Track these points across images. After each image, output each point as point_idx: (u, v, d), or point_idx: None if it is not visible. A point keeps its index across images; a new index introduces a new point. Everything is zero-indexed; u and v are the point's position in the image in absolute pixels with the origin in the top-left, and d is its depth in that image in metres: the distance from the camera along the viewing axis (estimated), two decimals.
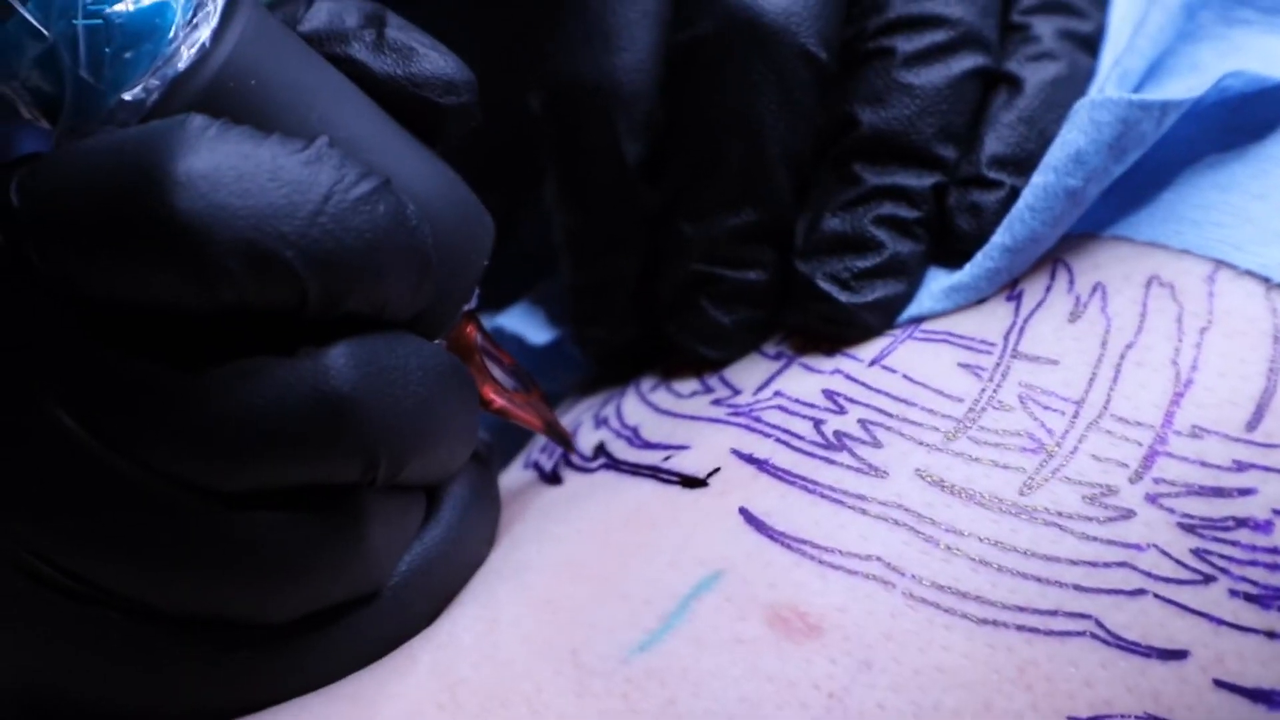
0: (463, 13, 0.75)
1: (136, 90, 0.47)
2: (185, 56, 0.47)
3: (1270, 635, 0.49)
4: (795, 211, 0.55)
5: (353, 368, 0.47)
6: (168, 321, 0.46)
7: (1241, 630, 0.49)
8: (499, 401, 0.53)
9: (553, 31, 0.55)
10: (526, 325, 0.59)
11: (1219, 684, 0.49)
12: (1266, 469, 0.50)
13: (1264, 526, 0.50)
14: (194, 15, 0.48)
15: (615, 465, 0.54)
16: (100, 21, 0.47)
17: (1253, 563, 0.50)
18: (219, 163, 0.45)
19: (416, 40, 0.50)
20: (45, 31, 0.47)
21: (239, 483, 0.46)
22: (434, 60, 0.50)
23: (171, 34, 0.47)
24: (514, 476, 0.57)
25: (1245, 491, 0.50)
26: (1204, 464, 0.50)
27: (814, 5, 0.54)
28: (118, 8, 0.47)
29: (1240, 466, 0.50)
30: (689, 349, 0.55)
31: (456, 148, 0.52)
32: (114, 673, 0.48)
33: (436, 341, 0.50)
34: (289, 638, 0.49)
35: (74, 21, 0.47)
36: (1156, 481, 0.50)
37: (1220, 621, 0.49)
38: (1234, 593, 0.49)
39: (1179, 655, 0.49)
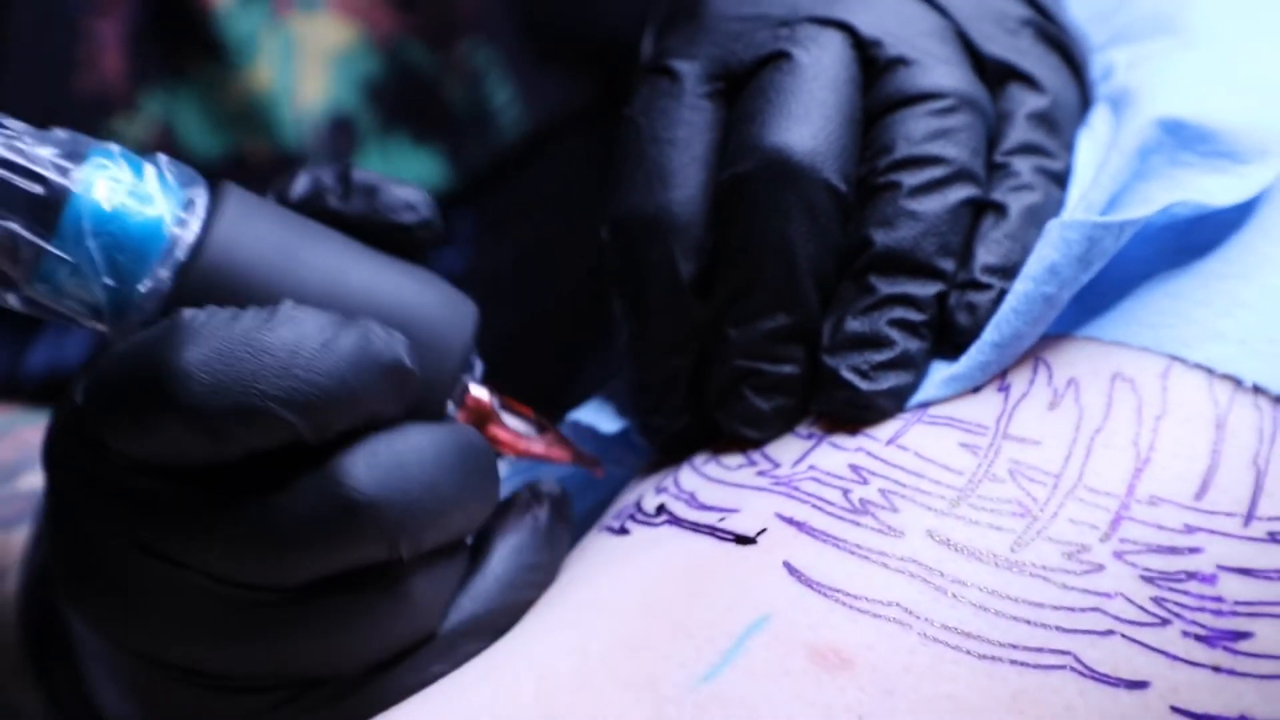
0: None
1: (150, 284, 0.51)
2: (184, 245, 0.51)
3: (1216, 669, 0.51)
4: (821, 316, 0.55)
5: (361, 472, 0.50)
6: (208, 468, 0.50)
7: (1193, 665, 0.51)
8: (521, 446, 0.55)
9: (618, 176, 0.56)
10: (599, 417, 0.59)
11: (1175, 710, 0.50)
12: (1211, 532, 0.52)
13: (1209, 579, 0.51)
14: (184, 214, 0.51)
15: (677, 522, 0.54)
16: (109, 236, 0.50)
17: (1201, 609, 0.51)
18: (207, 349, 0.48)
19: (376, 179, 0.53)
20: (69, 258, 0.50)
21: (290, 578, 0.50)
22: (391, 191, 0.53)
23: (167, 233, 0.51)
24: (590, 539, 0.57)
25: (1194, 550, 0.51)
26: (1160, 527, 0.52)
27: (834, 147, 0.54)
28: (118, 215, 0.50)
29: (1190, 530, 0.52)
30: (735, 432, 0.55)
31: None
32: None
33: (450, 414, 0.52)
34: (359, 683, 0.52)
35: (88, 244, 0.50)
36: (1122, 541, 0.51)
37: (1175, 658, 0.51)
38: (1186, 633, 0.51)
39: (1142, 685, 0.50)
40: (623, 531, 0.55)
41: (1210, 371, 0.53)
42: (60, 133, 0.51)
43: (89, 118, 0.74)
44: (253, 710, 0.52)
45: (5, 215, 0.50)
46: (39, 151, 0.50)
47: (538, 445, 0.55)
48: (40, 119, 0.53)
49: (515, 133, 0.80)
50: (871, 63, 0.55)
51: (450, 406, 0.53)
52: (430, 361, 0.51)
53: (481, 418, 0.54)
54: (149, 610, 0.51)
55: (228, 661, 0.51)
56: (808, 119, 0.54)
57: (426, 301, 0.52)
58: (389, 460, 0.50)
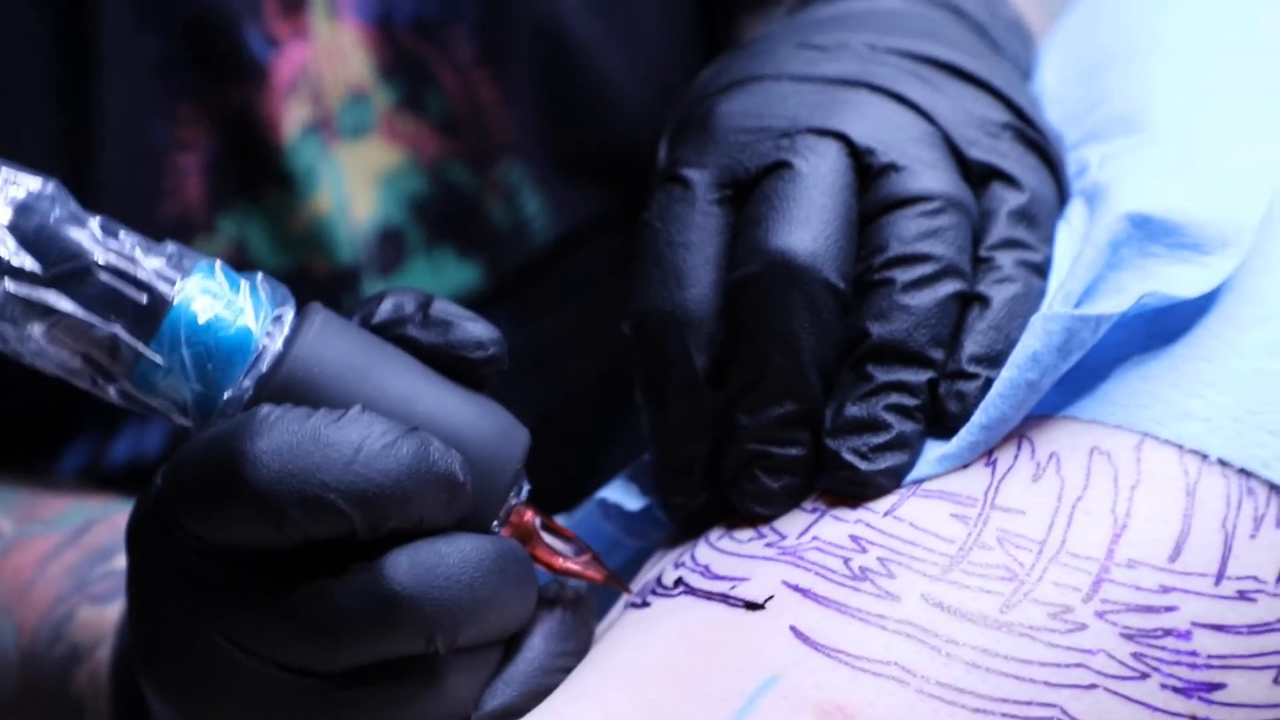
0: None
1: (233, 391, 0.51)
2: (268, 359, 0.52)
3: (1194, 719, 0.51)
4: (824, 402, 0.55)
5: (404, 570, 0.50)
6: (269, 555, 0.50)
7: (1171, 715, 0.51)
8: (559, 564, 0.55)
9: (638, 276, 0.56)
10: (624, 496, 0.59)
11: None
12: (1185, 591, 0.52)
13: (1185, 635, 0.51)
14: (273, 327, 0.52)
15: (692, 591, 0.54)
16: (201, 347, 0.51)
17: (1178, 663, 0.51)
18: (278, 440, 0.49)
19: (454, 314, 0.54)
20: (164, 362, 0.51)
21: (337, 665, 0.50)
22: (466, 327, 0.54)
23: (254, 347, 0.52)
24: (615, 614, 0.57)
25: (1170, 609, 0.51)
26: (1138, 588, 0.52)
27: (833, 248, 0.54)
28: (211, 326, 0.51)
29: (1165, 590, 0.52)
30: (748, 509, 0.55)
31: None
32: None
33: (495, 530, 0.53)
34: None
35: (182, 352, 0.51)
36: (1103, 601, 0.51)
37: (1155, 708, 0.51)
38: (1164, 686, 0.51)
39: None
40: (644, 605, 0.55)
41: (1180, 446, 0.53)
42: (170, 245, 0.52)
43: (172, 239, 0.76)
44: None
45: (112, 319, 0.51)
46: (148, 263, 0.51)
47: (575, 565, 0.55)
48: None
49: (545, 239, 0.81)
50: (866, 169, 0.56)
51: (496, 524, 0.53)
52: (482, 480, 0.52)
53: (525, 535, 0.54)
54: (211, 687, 0.51)
55: None
56: (808, 223, 0.54)
57: (484, 426, 0.53)
58: (431, 561, 0.50)
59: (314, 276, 0.77)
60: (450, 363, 0.53)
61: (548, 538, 0.54)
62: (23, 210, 0.50)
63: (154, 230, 0.75)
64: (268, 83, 0.76)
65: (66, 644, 0.63)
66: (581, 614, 0.55)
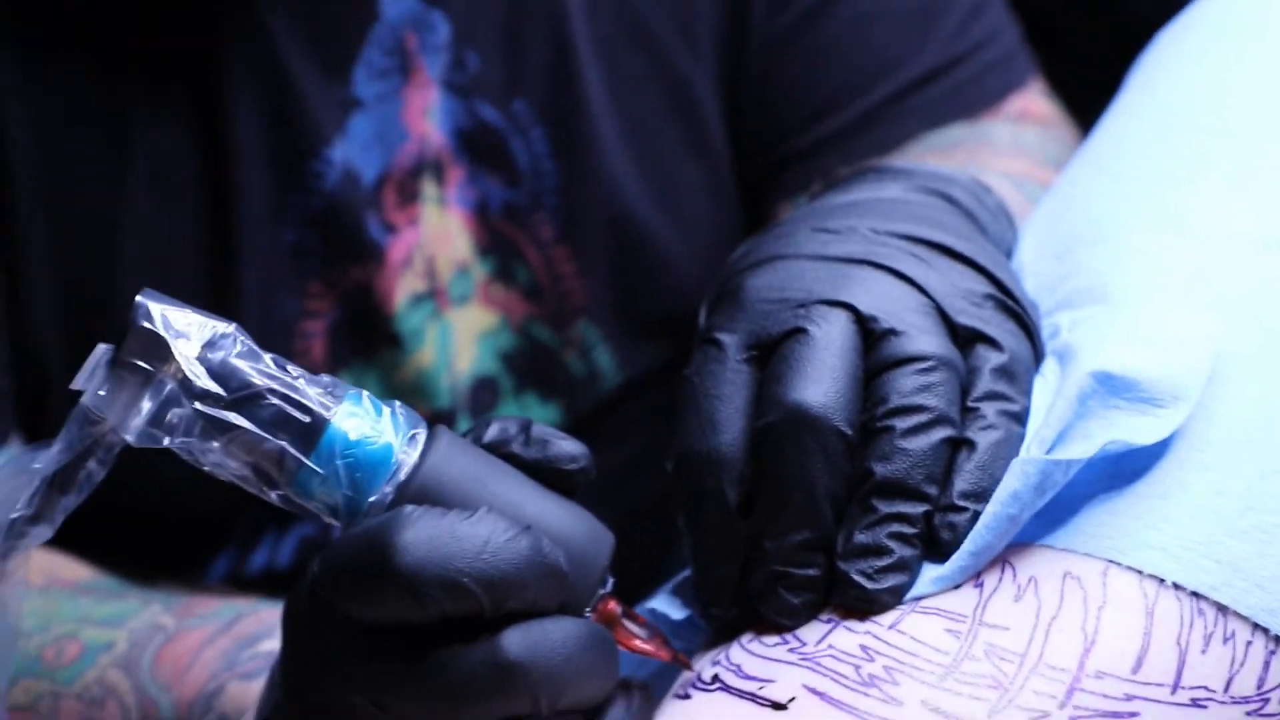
0: None
1: (377, 496, 0.51)
2: (405, 469, 0.51)
3: None
4: (836, 530, 0.54)
5: (517, 643, 0.49)
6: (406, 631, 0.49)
7: None
8: (636, 645, 0.54)
9: (679, 422, 0.56)
10: (669, 606, 0.58)
11: None
12: (1145, 699, 0.50)
13: None
14: (408, 444, 0.51)
15: (727, 689, 0.53)
16: (351, 459, 0.51)
17: None
18: (420, 533, 0.49)
19: (550, 434, 0.53)
20: (321, 471, 0.51)
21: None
22: (560, 445, 0.53)
23: (394, 460, 0.51)
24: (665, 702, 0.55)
25: (1133, 714, 0.50)
26: (1105, 695, 0.50)
27: (842, 401, 0.53)
28: (360, 443, 0.51)
29: (1129, 697, 0.50)
30: (773, 620, 0.54)
31: None
32: None
33: (586, 615, 0.52)
34: None
35: (336, 463, 0.51)
36: (1075, 708, 0.50)
37: None
38: None
39: None
40: (686, 697, 0.54)
41: (1140, 572, 0.52)
42: (326, 378, 0.52)
43: None
44: None
45: (279, 435, 0.51)
46: (310, 391, 0.51)
47: (648, 646, 0.54)
48: None
49: (613, 384, 0.81)
50: (870, 334, 0.55)
51: (588, 610, 0.53)
52: (578, 572, 0.51)
53: (609, 621, 0.53)
54: None
55: None
56: (821, 380, 0.53)
57: (579, 529, 0.52)
58: (539, 636, 0.50)
59: None
60: (548, 475, 0.53)
61: (628, 624, 0.54)
62: (210, 346, 0.51)
63: None
64: (384, 262, 0.76)
65: (216, 714, 0.63)
66: (647, 696, 0.54)
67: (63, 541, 0.69)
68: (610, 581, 0.53)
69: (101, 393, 0.50)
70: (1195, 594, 0.52)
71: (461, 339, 0.78)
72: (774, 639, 0.54)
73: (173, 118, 0.72)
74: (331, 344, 0.76)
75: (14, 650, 0.53)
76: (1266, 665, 0.52)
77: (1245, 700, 0.51)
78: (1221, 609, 0.52)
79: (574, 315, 0.79)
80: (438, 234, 0.77)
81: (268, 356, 0.51)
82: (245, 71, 0.72)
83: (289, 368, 0.52)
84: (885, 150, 0.78)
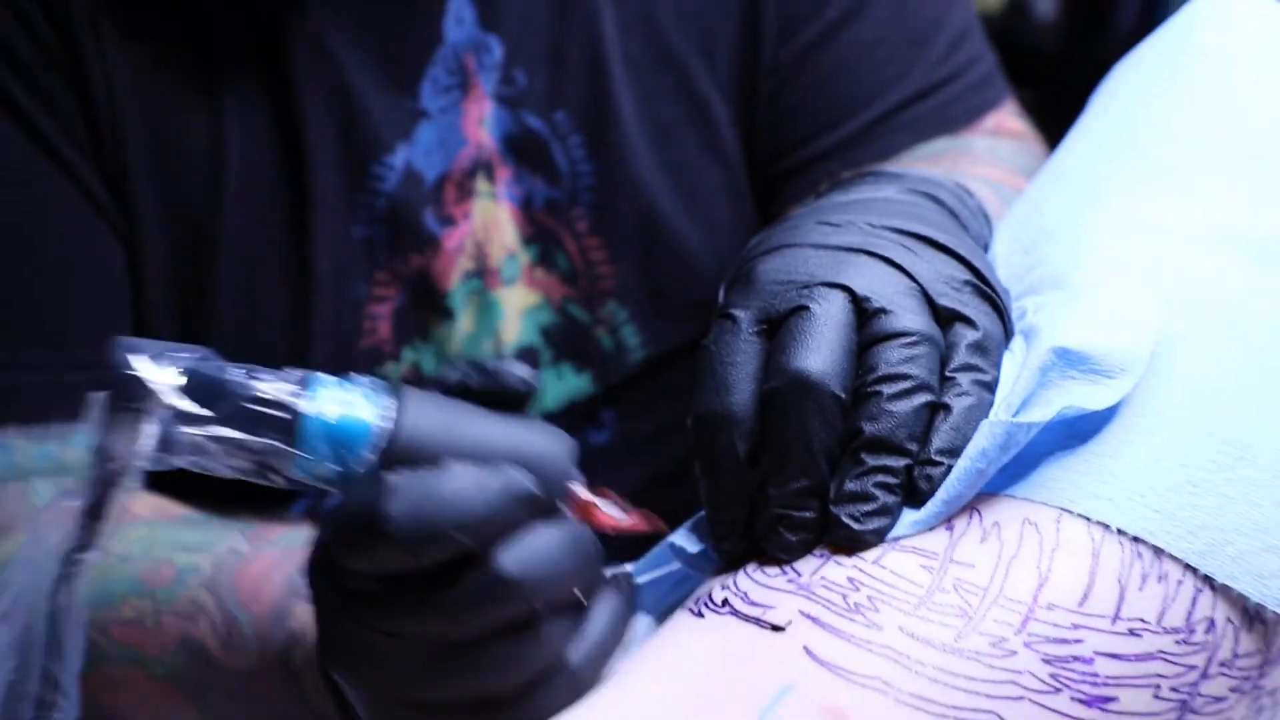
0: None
1: (364, 463, 0.51)
2: (384, 434, 0.51)
3: None
4: (829, 479, 0.54)
5: (509, 560, 0.50)
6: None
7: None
8: (616, 524, 0.54)
9: (698, 386, 0.56)
10: (687, 541, 0.58)
11: None
12: (1089, 629, 0.51)
13: (1089, 661, 0.51)
14: (382, 411, 0.52)
15: (735, 613, 0.53)
16: (333, 438, 0.51)
17: (1083, 681, 0.50)
18: (400, 496, 0.49)
19: (498, 365, 0.54)
20: (310, 456, 0.51)
21: (466, 635, 0.51)
22: (509, 373, 0.54)
23: (372, 429, 0.51)
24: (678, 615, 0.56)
25: (1078, 640, 0.51)
26: (1055, 624, 0.51)
27: (837, 369, 0.54)
28: (338, 422, 0.51)
29: (1075, 626, 0.51)
30: (774, 554, 0.54)
31: None
32: None
33: (563, 510, 0.52)
34: (517, 699, 0.51)
35: (320, 445, 0.51)
36: (1029, 635, 0.50)
37: (1065, 715, 0.50)
38: (1073, 698, 0.50)
39: None
40: (699, 614, 0.54)
41: (1088, 519, 0.52)
42: (296, 372, 0.52)
43: (368, 365, 0.76)
44: None
45: (266, 434, 0.51)
46: (282, 388, 0.51)
47: (627, 522, 0.54)
48: (335, 367, 0.54)
49: (639, 359, 0.81)
50: (863, 312, 0.55)
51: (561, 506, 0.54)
52: (546, 479, 0.52)
53: (584, 511, 0.53)
54: (377, 666, 0.52)
55: (430, 693, 0.52)
56: (819, 351, 0.54)
57: (539, 442, 0.52)
58: (527, 549, 0.51)
59: None
60: (506, 399, 0.53)
61: (603, 505, 0.53)
62: (190, 374, 0.50)
63: (354, 359, 0.76)
64: (440, 249, 0.77)
65: (286, 630, 0.64)
66: (627, 594, 0.55)
67: (169, 492, 0.72)
68: (577, 475, 0.53)
69: (108, 435, 0.50)
70: (1136, 539, 0.52)
71: (509, 314, 0.79)
72: (775, 570, 0.54)
73: (258, 128, 0.74)
74: (395, 324, 0.77)
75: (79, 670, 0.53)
76: (1194, 601, 0.52)
77: (1175, 631, 0.51)
78: (1158, 552, 0.52)
79: (604, 297, 0.80)
80: (489, 224, 0.78)
81: (238, 369, 0.51)
82: (314, 87, 0.74)
83: (259, 374, 0.51)
84: (881, 158, 0.79)
